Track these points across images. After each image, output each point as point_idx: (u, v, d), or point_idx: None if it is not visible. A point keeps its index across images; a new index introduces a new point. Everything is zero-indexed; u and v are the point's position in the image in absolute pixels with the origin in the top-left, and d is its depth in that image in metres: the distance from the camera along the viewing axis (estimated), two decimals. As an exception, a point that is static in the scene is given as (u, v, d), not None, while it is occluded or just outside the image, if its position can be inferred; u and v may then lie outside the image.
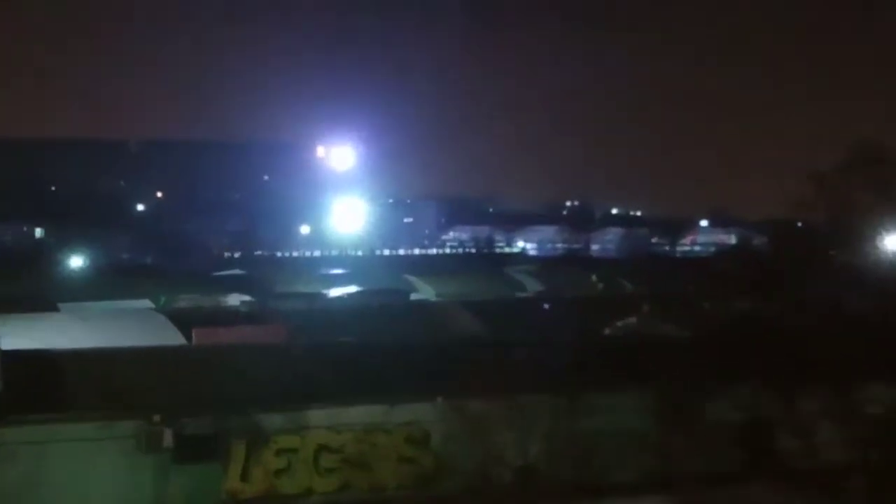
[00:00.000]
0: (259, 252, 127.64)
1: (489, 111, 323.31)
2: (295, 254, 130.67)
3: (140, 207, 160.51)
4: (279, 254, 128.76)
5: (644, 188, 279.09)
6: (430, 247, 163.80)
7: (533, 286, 65.20)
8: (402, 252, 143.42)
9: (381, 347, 29.09)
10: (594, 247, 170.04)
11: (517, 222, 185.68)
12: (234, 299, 52.15)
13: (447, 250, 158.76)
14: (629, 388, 25.76)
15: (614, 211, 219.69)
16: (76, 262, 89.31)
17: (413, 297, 56.99)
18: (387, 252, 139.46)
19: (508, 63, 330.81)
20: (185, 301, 52.95)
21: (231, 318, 39.81)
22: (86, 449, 22.90)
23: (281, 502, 24.12)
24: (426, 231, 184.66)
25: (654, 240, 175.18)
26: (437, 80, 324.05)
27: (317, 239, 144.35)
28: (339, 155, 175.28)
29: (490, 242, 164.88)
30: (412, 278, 64.63)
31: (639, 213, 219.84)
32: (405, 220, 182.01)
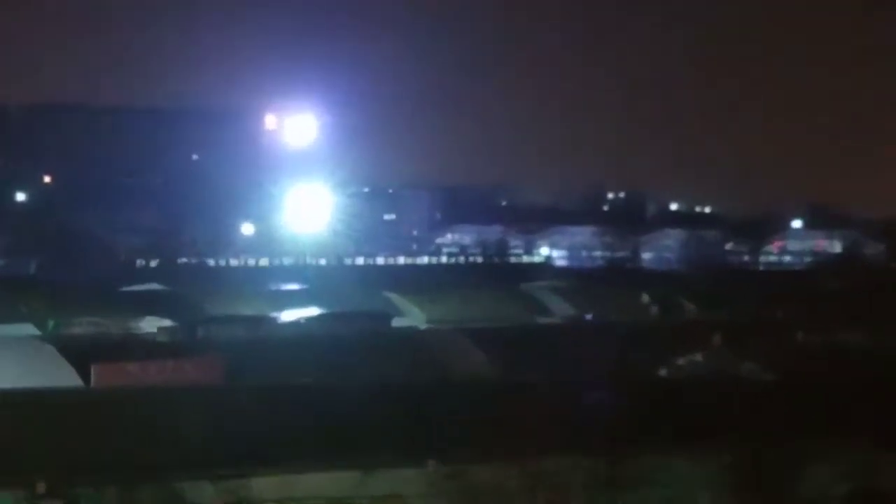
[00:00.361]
0: (184, 259, 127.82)
1: (503, 71, 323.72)
2: (234, 262, 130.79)
3: (20, 196, 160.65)
4: (212, 262, 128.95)
5: (715, 177, 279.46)
6: (420, 254, 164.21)
7: (561, 309, 65.54)
8: (381, 261, 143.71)
9: (353, 392, 29.08)
10: (646, 255, 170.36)
11: (540, 221, 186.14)
12: (150, 324, 52.35)
13: (443, 259, 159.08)
14: (693, 449, 25.73)
15: (674, 206, 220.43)
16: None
17: (396, 322, 57.25)
18: (360, 261, 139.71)
19: (530, 7, 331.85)
20: (82, 326, 53.08)
21: (145, 349, 39.86)
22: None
23: None
24: (414, 232, 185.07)
25: (728, 246, 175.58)
26: (431, 29, 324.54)
27: (264, 242, 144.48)
28: (297, 127, 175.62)
29: (502, 248, 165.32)
30: (395, 297, 64.87)
31: (707, 210, 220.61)
32: (386, 216, 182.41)
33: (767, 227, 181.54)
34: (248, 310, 58.75)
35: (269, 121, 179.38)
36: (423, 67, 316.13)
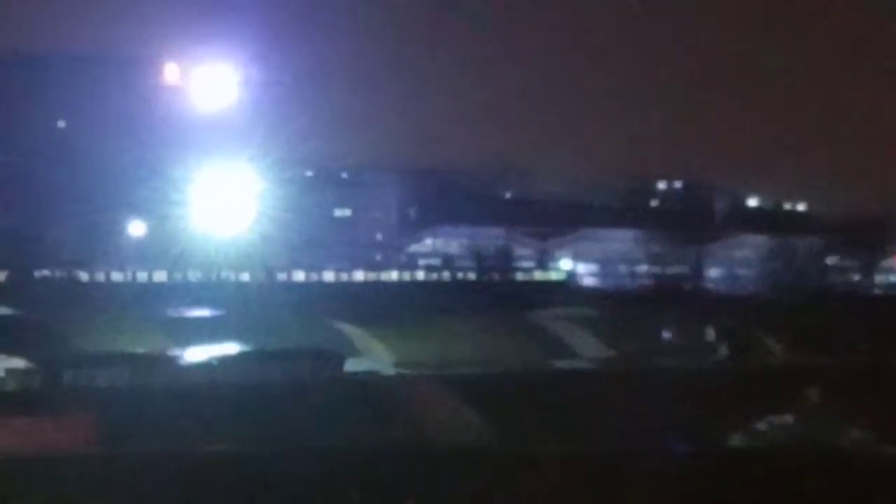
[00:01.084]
0: (46, 272, 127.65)
1: (509, 8, 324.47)
2: (117, 276, 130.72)
3: None
4: (85, 276, 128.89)
5: (812, 162, 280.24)
6: (388, 267, 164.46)
7: (590, 347, 65.85)
8: (330, 277, 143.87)
9: (287, 464, 29.08)
10: (713, 271, 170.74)
11: (559, 222, 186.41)
12: (-6, 365, 52.38)
13: (420, 275, 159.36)
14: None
15: (753, 202, 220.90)
16: None
17: (351, 365, 57.52)
18: (300, 276, 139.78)
19: None
20: None
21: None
22: None
23: None
24: (379, 236, 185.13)
25: (830, 260, 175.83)
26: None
27: (161, 247, 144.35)
28: (210, 82, 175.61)
29: (505, 260, 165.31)
30: (350, 329, 65.11)
31: (801, 208, 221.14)
32: (338, 212, 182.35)
33: (886, 233, 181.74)
34: (136, 346, 58.85)
35: (170, 72, 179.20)
36: (394, 8, 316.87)
